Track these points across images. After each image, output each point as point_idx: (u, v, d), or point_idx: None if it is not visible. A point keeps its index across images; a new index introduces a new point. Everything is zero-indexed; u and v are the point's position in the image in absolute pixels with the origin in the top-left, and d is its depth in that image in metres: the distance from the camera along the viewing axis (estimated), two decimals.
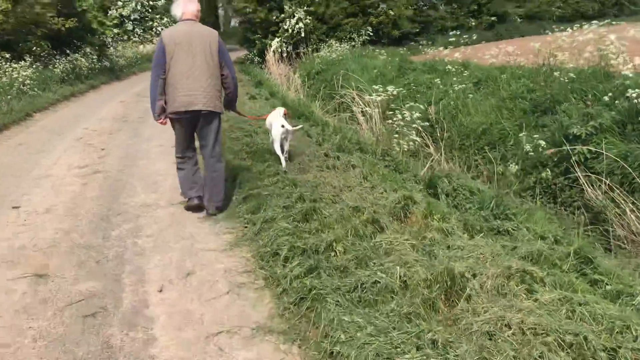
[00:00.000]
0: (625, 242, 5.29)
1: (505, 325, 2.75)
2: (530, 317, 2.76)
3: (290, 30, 23.16)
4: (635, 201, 5.42)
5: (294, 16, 23.27)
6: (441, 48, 13.08)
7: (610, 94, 6.63)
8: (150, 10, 29.57)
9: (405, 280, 3.27)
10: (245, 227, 4.64)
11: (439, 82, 10.70)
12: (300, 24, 23.13)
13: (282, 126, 6.22)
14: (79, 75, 16.62)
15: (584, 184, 6.02)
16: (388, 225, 4.24)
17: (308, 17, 23.46)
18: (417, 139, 7.41)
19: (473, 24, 34.02)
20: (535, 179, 6.80)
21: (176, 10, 4.94)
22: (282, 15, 23.38)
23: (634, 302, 3.14)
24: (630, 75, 6.62)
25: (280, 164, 6.26)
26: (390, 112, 8.24)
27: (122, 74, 20.79)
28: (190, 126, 4.94)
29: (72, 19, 17.23)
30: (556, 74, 7.85)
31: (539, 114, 7.88)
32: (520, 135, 6.87)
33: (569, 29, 9.88)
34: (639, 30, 8.31)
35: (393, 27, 26.99)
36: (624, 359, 2.53)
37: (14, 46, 15.35)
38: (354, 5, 25.46)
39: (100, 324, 3.15)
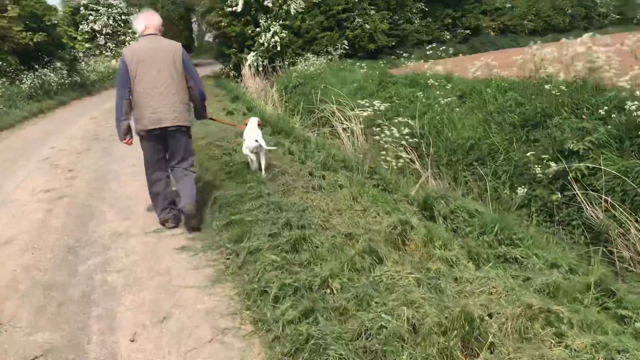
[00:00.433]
0: (632, 264, 5.00)
1: None
2: None
3: (266, 44, 22.83)
4: (639, 219, 5.15)
5: (269, 30, 22.96)
6: (422, 61, 12.82)
7: (605, 108, 6.38)
8: (122, 24, 28.97)
9: (415, 324, 2.87)
10: (228, 258, 4.19)
11: (422, 95, 10.42)
12: (276, 38, 22.83)
13: (256, 140, 6.02)
14: (47, 91, 15.99)
15: (582, 201, 5.73)
16: (387, 255, 3.84)
17: (284, 30, 23.19)
18: (407, 156, 7.06)
19: (447, 37, 34.22)
20: (530, 196, 6.51)
21: (138, 25, 4.82)
22: (258, 29, 23.06)
23: None
24: (628, 86, 6.37)
25: (251, 169, 6.27)
26: (377, 128, 7.87)
27: (94, 89, 20.19)
28: (160, 143, 4.81)
29: (40, 33, 16.60)
30: (547, 86, 7.59)
31: (529, 128, 7.60)
32: (528, 154, 6.50)
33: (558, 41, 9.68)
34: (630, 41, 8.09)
35: (369, 40, 26.93)
36: None
37: None
38: (330, 19, 25.30)
39: None
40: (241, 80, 21.79)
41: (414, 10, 31.75)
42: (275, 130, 9.75)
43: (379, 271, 3.61)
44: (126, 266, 4.12)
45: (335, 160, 7.34)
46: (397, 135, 7.16)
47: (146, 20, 4.80)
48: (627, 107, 5.92)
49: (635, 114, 5.78)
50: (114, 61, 26.61)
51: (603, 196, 5.53)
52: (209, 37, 57.77)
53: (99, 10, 27.98)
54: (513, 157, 7.36)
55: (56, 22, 19.10)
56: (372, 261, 3.77)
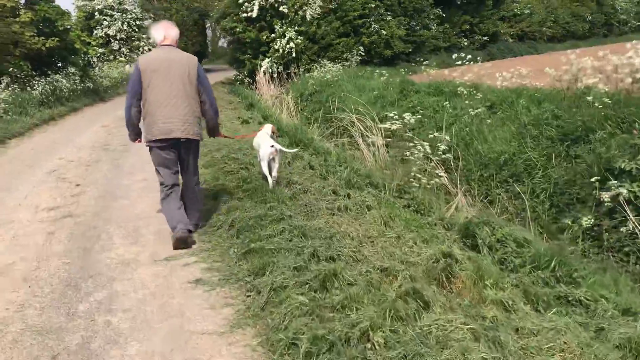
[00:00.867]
0: None
1: None
2: None
3: (281, 51, 22.43)
4: None
5: (284, 36, 22.57)
6: (446, 71, 12.29)
7: None
8: (136, 30, 28.74)
9: None
10: (248, 296, 3.68)
11: (448, 105, 9.88)
12: (292, 44, 22.44)
13: (272, 146, 5.83)
14: (59, 98, 15.66)
15: (636, 226, 5.17)
16: (433, 298, 3.32)
17: (299, 36, 22.79)
18: (443, 174, 6.52)
19: (465, 43, 33.67)
20: (573, 219, 5.95)
21: (157, 34, 4.83)
22: (273, 35, 22.67)
23: None
24: None
25: (268, 183, 5.95)
26: (405, 142, 7.29)
27: (107, 95, 19.87)
28: (170, 154, 4.78)
29: (53, 38, 16.30)
30: (589, 98, 7.02)
31: (569, 143, 7.03)
32: (593, 180, 5.72)
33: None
34: None
35: (385, 47, 26.47)
36: None
37: None
38: (346, 25, 24.88)
39: None
40: (255, 87, 21.39)
41: (431, 16, 31.25)
42: (294, 141, 9.27)
43: (427, 319, 3.08)
44: (134, 304, 3.63)
45: (359, 176, 6.84)
46: (428, 150, 6.60)
47: (165, 31, 4.82)
48: None
49: None
50: (127, 66, 26.36)
51: None
52: (222, 43, 57.72)
53: (113, 15, 27.76)
54: (552, 174, 6.81)
55: (69, 27, 18.79)
56: (417, 305, 3.25)
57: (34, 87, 14.82)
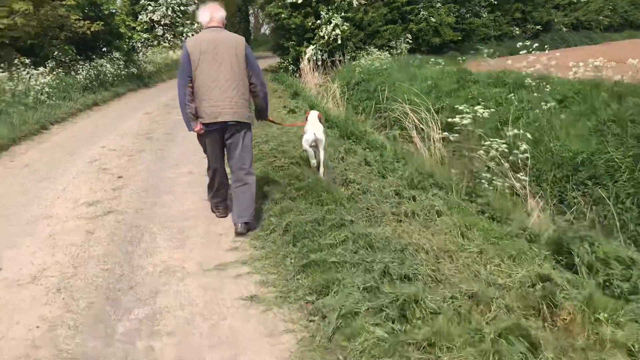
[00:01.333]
0: None
1: None
2: None
3: (326, 37, 21.80)
4: None
5: (330, 22, 21.92)
6: (509, 60, 11.42)
7: None
8: (180, 15, 28.56)
9: None
10: (311, 320, 3.14)
11: (514, 97, 9.10)
12: (337, 31, 21.79)
13: (314, 134, 5.77)
14: (103, 83, 15.45)
15: None
16: (542, 339, 2.71)
17: (345, 23, 22.11)
18: (526, 178, 5.82)
19: (517, 32, 32.33)
20: None
21: (203, 16, 4.69)
22: (319, 21, 22.05)
23: None
24: None
25: (310, 166, 6.03)
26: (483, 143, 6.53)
27: (151, 81, 19.65)
28: (218, 139, 4.65)
29: (98, 22, 16.07)
30: None
31: None
32: None
33: None
34: None
35: (434, 34, 25.59)
36: None
37: (37, 51, 14.21)
38: (394, 11, 24.09)
39: None
40: (299, 75, 20.84)
41: (482, 4, 30.02)
42: (344, 134, 8.68)
43: None
44: (180, 325, 3.13)
45: (420, 175, 6.21)
46: (504, 149, 5.90)
47: (211, 13, 4.66)
48: None
49: None
50: (171, 52, 26.21)
51: None
52: (264, 30, 57.36)
53: (158, 0, 27.61)
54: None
55: (114, 11, 18.58)
56: (523, 347, 2.64)
57: (78, 72, 14.62)
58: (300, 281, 3.62)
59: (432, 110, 8.92)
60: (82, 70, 14.69)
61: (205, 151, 4.82)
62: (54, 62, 14.01)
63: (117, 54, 17.70)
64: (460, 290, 3.27)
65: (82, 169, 6.83)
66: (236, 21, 40.69)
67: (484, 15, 30.35)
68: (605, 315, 2.98)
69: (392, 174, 6.23)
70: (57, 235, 4.54)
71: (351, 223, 4.47)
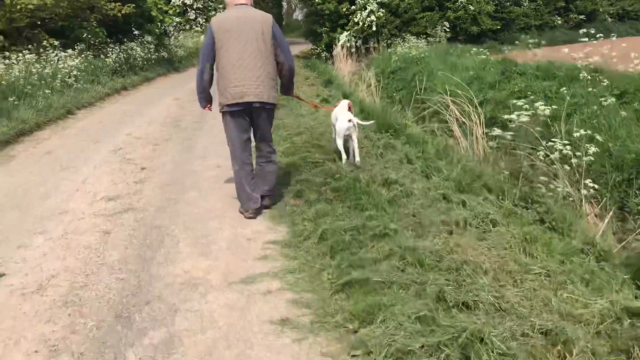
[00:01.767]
0: None
1: None
2: None
3: (360, 24, 21.19)
4: None
5: (365, 8, 21.29)
6: (565, 49, 10.62)
7: None
8: None
9: None
10: (354, 356, 2.66)
11: (566, 92, 8.40)
12: (372, 17, 21.17)
13: (349, 120, 5.55)
14: (132, 66, 15.14)
15: None
16: None
17: (381, 9, 21.44)
18: (592, 185, 5.21)
19: (559, 22, 31.07)
20: None
21: None
22: (353, 7, 21.43)
23: None
24: None
25: (341, 159, 5.73)
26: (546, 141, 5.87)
27: (181, 66, 19.31)
28: (244, 121, 4.46)
29: (130, 4, 15.74)
30: None
31: None
32: None
33: None
34: None
35: (472, 23, 24.71)
36: None
37: (68, 33, 13.95)
38: None
39: None
40: (332, 62, 20.28)
41: None
42: (382, 127, 8.12)
43: None
44: (199, 353, 2.68)
45: (467, 174, 5.65)
46: (568, 152, 5.29)
47: None
48: None
49: None
50: (202, 37, 25.86)
51: None
52: (296, 16, 56.66)
53: None
54: None
55: None
56: None
57: (108, 55, 14.33)
58: (339, 303, 3.14)
59: (476, 102, 8.31)
60: (112, 54, 14.40)
61: (228, 143, 4.58)
62: (83, 45, 13.73)
63: (148, 38, 17.38)
64: (532, 324, 2.74)
65: (105, 158, 6.45)
66: (268, 7, 40.09)
67: (525, 4, 29.19)
68: None
69: (436, 174, 5.69)
70: (71, 235, 4.14)
71: (395, 233, 3.96)
